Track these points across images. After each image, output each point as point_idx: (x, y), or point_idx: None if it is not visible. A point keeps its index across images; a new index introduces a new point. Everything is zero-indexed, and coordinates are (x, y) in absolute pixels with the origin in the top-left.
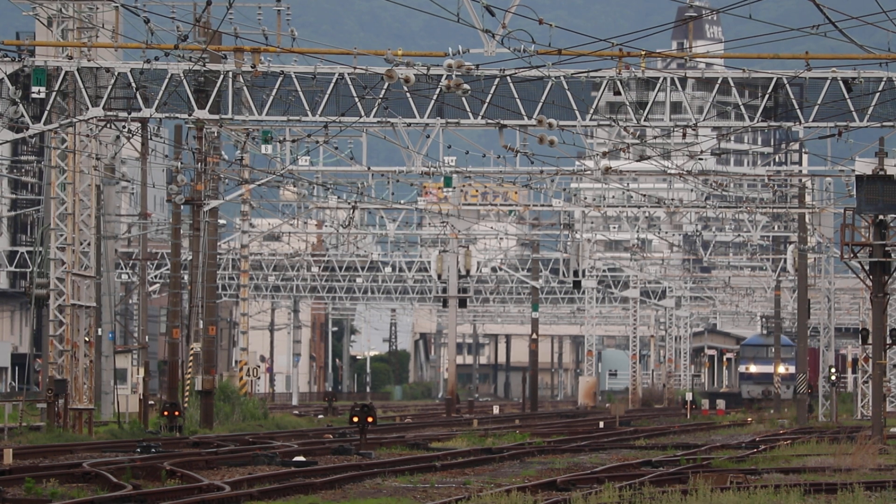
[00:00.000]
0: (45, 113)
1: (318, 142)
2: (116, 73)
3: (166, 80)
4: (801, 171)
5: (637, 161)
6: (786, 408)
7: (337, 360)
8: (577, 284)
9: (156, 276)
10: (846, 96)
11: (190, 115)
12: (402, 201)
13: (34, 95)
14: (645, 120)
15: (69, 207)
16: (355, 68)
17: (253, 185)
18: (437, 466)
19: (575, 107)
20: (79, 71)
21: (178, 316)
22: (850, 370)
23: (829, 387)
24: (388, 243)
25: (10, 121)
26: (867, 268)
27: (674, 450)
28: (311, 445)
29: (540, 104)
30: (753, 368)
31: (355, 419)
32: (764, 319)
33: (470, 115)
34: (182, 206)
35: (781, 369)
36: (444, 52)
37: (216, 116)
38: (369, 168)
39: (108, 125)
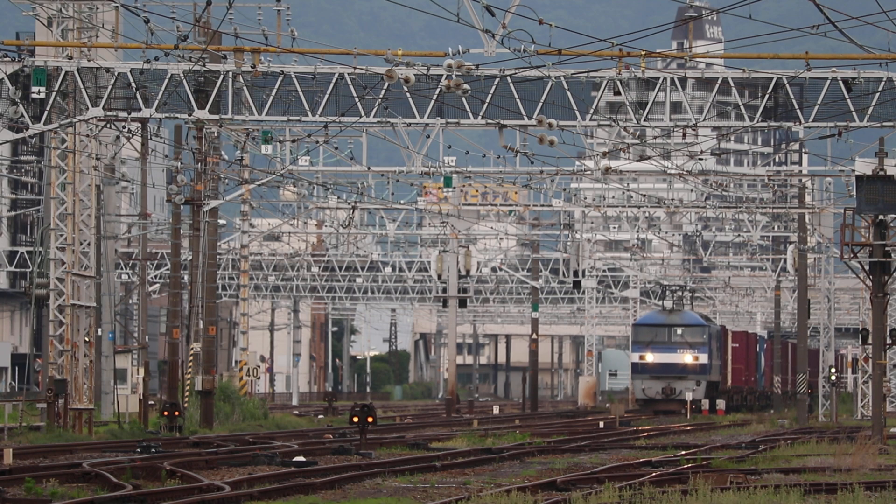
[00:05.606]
0: (45, 113)
1: (318, 142)
2: (116, 73)
3: (166, 80)
4: (801, 171)
5: (637, 161)
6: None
7: (337, 360)
8: (577, 284)
9: (156, 276)
10: (846, 96)
11: (190, 115)
12: (402, 201)
13: (34, 95)
14: (645, 120)
15: (69, 207)
16: (355, 68)
17: (253, 185)
18: (437, 466)
19: (575, 107)
20: (79, 71)
21: (178, 316)
22: (850, 370)
23: (829, 387)
24: (388, 243)
25: (10, 121)
26: (867, 268)
27: (674, 450)
28: (312, 445)
29: (540, 104)
30: (651, 357)
31: (355, 419)
32: (668, 290)
33: (470, 115)
34: (182, 206)
35: (689, 358)
36: (444, 52)
37: (216, 116)
38: (369, 168)
39: (108, 125)
